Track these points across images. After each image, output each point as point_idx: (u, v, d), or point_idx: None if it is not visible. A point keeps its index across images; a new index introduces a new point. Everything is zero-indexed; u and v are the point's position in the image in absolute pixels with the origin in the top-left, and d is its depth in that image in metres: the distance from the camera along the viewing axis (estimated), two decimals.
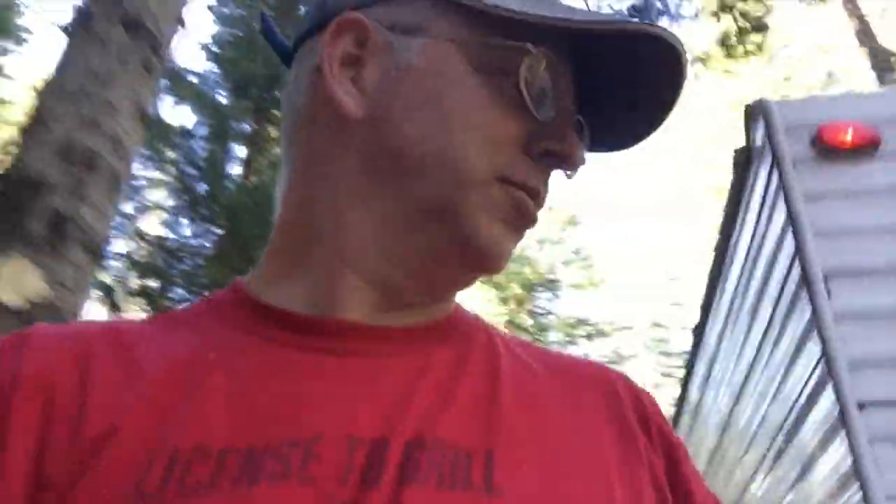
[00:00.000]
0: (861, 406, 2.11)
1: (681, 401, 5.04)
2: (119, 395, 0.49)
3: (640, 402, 0.61)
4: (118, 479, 0.44)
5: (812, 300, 2.30)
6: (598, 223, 27.00)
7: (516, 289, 18.38)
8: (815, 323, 2.28)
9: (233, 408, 0.48)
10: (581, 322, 18.71)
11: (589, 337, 18.69)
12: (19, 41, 10.20)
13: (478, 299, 18.21)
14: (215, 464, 0.45)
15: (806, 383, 2.42)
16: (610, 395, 0.60)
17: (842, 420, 2.13)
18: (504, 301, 18.28)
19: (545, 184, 0.57)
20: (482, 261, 0.56)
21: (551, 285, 19.03)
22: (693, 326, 4.54)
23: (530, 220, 0.56)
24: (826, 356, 2.22)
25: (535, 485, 0.49)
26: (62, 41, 2.45)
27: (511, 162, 0.54)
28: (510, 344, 0.61)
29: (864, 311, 2.27)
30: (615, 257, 24.83)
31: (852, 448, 2.07)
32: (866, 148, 2.44)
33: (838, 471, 2.23)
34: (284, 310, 0.54)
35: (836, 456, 2.24)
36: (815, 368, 2.33)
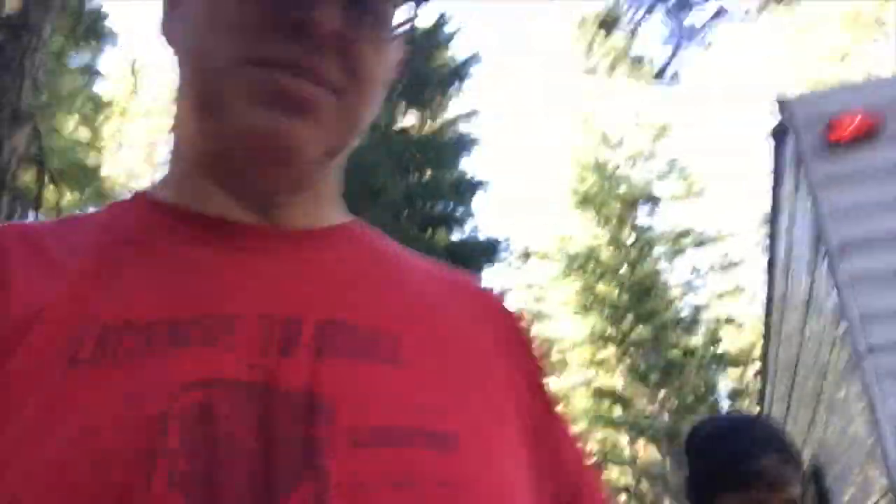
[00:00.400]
0: (870, 349, 2.73)
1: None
2: (40, 281, 0.49)
3: (517, 324, 0.63)
4: (50, 352, 0.44)
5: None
6: (690, 134, 26.29)
7: (615, 207, 18.53)
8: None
9: (154, 290, 0.49)
10: (685, 233, 18.74)
11: (698, 245, 18.71)
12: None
13: (577, 221, 18.60)
14: (145, 334, 0.46)
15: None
16: (489, 308, 0.62)
17: (856, 362, 2.77)
18: (605, 221, 18.48)
19: (316, 56, 0.51)
20: (262, 151, 0.53)
21: (650, 200, 19.07)
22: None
23: (300, 98, 0.51)
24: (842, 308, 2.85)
25: (436, 362, 0.51)
26: None
27: (258, 39, 0.51)
28: (397, 248, 0.63)
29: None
30: (713, 165, 24.17)
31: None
32: (871, 132, 2.95)
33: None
34: (181, 207, 0.56)
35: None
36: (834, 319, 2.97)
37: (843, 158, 2.92)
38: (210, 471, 0.40)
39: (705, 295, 18.69)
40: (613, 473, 17.48)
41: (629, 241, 18.49)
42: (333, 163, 0.58)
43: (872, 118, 2.92)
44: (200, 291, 0.50)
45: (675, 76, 11.53)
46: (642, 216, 19.05)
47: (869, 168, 2.89)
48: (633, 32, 11.26)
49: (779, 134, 3.47)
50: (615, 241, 18.37)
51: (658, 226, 19.00)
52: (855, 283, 2.79)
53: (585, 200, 18.48)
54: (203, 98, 0.55)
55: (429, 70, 10.46)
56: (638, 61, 11.86)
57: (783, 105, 3.17)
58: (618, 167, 18.89)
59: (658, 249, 18.72)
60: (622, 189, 18.68)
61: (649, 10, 10.64)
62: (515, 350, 0.59)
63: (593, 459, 0.67)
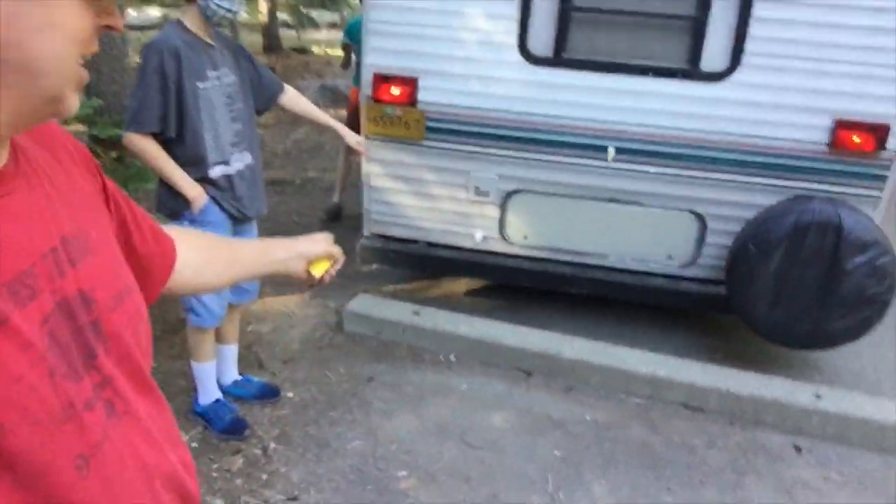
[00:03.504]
0: None
1: None
2: None
3: (87, 157, 0.91)
4: None
5: None
6: None
7: None
8: None
9: None
10: None
11: None
12: None
13: None
14: (11, 295, 0.68)
15: None
16: (73, 154, 0.88)
17: None
18: None
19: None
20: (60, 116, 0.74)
21: None
22: None
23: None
24: None
25: (103, 235, 0.86)
26: None
27: (84, 51, 0.72)
28: (25, 145, 0.79)
29: None
30: None
31: None
32: None
33: None
34: None
35: None
36: None
37: None
38: (58, 346, 0.73)
39: None
40: None
41: None
42: None
43: None
44: (4, 252, 0.69)
45: None
46: None
47: None
48: None
49: None
50: None
51: None
52: None
53: None
54: (50, 93, 0.72)
55: None
56: None
57: None
58: None
59: None
60: None
61: None
62: (86, 167, 0.90)
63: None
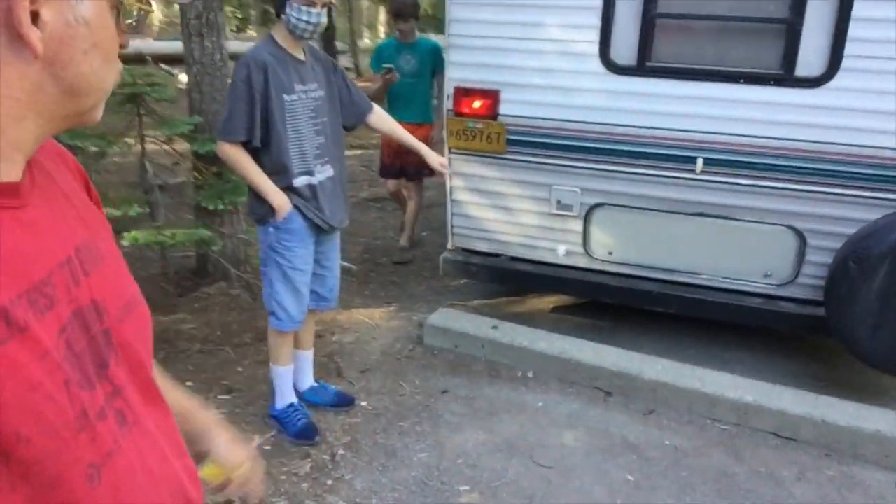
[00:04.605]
0: None
1: None
2: None
3: (81, 171, 0.92)
4: None
5: None
6: None
7: None
8: None
9: (4, 268, 0.67)
10: None
11: None
12: None
13: None
14: (23, 308, 0.67)
15: None
16: (72, 168, 0.90)
17: None
18: None
19: None
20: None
21: None
22: None
23: None
24: None
25: (108, 246, 0.87)
26: None
27: (119, 73, 0.79)
28: (39, 158, 0.80)
29: None
30: None
31: None
32: None
33: None
34: None
35: None
36: None
37: None
38: (74, 356, 0.73)
39: None
40: None
41: None
42: None
43: None
44: (25, 259, 0.70)
45: None
46: None
47: None
48: None
49: None
50: None
51: None
52: None
53: None
54: (87, 108, 0.78)
55: None
56: None
57: None
58: None
59: None
60: None
61: None
62: (84, 181, 0.91)
63: None
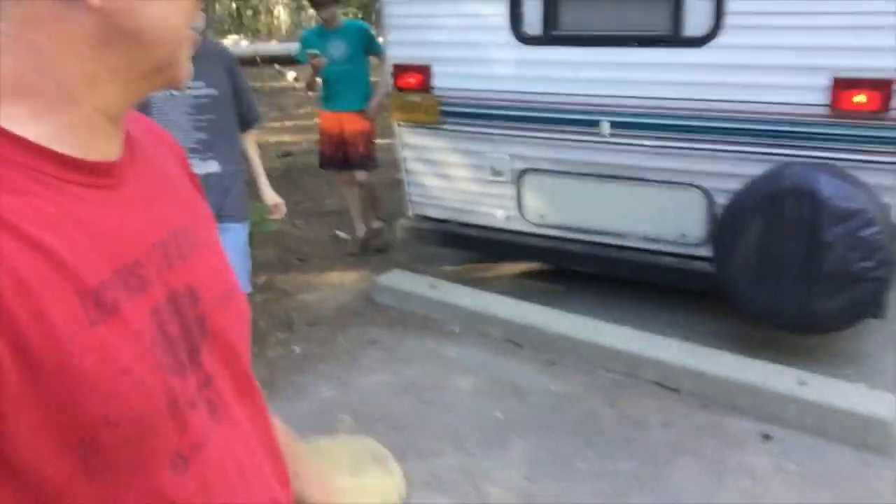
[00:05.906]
0: None
1: None
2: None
3: (183, 158, 0.89)
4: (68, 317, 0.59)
5: None
6: None
7: None
8: None
9: (95, 249, 0.64)
10: None
11: None
12: None
13: None
14: (115, 288, 0.64)
15: None
16: (176, 153, 0.88)
17: None
18: None
19: None
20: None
21: None
22: None
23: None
24: None
25: (209, 234, 0.84)
26: None
27: (194, 16, 0.72)
28: (139, 137, 0.78)
29: None
30: None
31: None
32: None
33: None
34: (64, 154, 0.64)
35: None
36: None
37: None
38: (166, 340, 0.69)
39: None
40: None
41: None
42: None
43: None
44: (118, 237, 0.67)
45: None
46: None
47: None
48: None
49: None
50: None
51: None
52: None
53: None
54: (163, 61, 0.70)
55: None
56: None
57: None
58: None
59: None
60: None
61: None
62: (186, 170, 0.89)
63: None
